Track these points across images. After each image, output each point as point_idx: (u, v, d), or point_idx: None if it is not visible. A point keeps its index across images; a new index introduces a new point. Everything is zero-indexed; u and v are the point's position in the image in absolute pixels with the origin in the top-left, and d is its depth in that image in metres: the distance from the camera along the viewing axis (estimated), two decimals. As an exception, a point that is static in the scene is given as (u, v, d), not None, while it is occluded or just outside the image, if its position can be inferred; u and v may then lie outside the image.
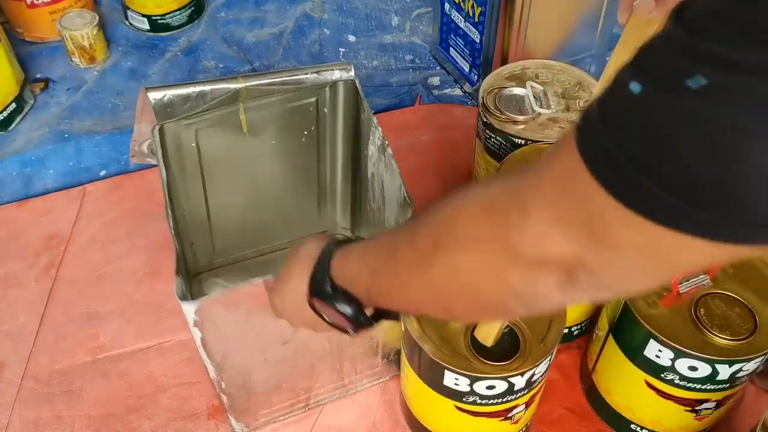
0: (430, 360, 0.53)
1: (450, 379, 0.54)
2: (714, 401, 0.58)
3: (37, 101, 0.99)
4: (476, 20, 0.92)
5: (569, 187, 0.29)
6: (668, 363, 0.56)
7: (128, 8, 1.08)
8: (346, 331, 0.47)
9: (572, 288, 0.31)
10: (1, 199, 0.87)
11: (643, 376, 0.58)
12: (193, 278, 0.73)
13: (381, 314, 0.47)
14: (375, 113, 0.97)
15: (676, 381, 0.57)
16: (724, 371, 0.55)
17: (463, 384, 0.53)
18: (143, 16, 1.07)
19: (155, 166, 0.60)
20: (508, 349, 0.54)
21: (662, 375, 0.57)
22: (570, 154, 0.28)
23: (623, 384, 0.62)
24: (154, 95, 0.61)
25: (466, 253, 0.35)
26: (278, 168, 0.71)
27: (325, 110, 0.66)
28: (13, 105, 0.94)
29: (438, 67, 1.05)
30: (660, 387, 0.58)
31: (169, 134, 0.59)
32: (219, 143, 0.65)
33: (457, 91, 1.02)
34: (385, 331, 0.56)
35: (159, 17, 1.07)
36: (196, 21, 1.12)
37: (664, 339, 0.54)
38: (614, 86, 0.27)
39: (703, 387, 0.56)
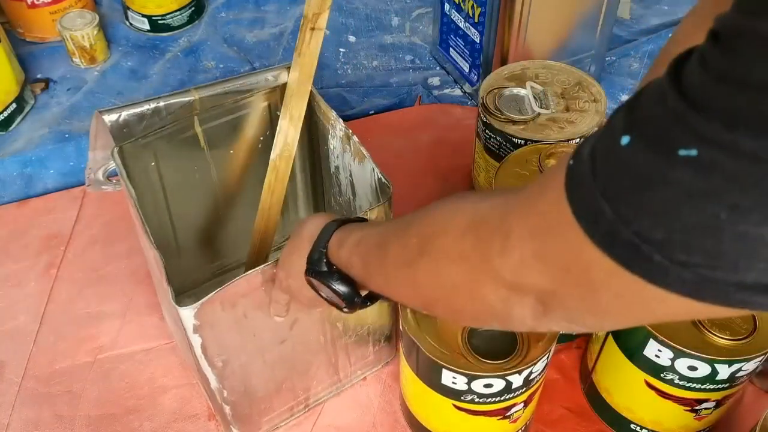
0: (427, 359, 0.54)
1: (448, 377, 0.54)
2: (714, 401, 0.58)
3: (38, 101, 0.99)
4: (476, 20, 0.92)
5: (554, 226, 0.29)
6: (668, 363, 0.56)
7: (128, 8, 1.08)
8: (341, 309, 0.48)
9: (546, 319, 0.32)
10: (1, 199, 0.87)
11: (642, 375, 0.58)
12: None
13: (376, 296, 0.48)
14: (375, 113, 0.98)
15: (676, 381, 0.57)
16: (724, 371, 0.55)
17: (460, 383, 0.54)
18: (143, 16, 1.07)
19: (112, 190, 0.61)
20: (505, 347, 0.54)
21: (662, 375, 0.57)
22: (558, 193, 0.28)
23: (623, 384, 0.62)
24: (109, 117, 0.60)
25: (448, 264, 0.35)
26: (237, 178, 0.70)
27: (278, 113, 0.65)
28: (14, 105, 0.94)
29: (438, 68, 1.05)
30: (660, 387, 0.58)
31: (128, 156, 0.58)
32: (178, 159, 0.65)
33: (457, 91, 1.02)
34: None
35: (159, 17, 1.08)
36: (197, 21, 1.12)
37: (664, 339, 0.55)
38: (606, 132, 0.27)
39: (702, 387, 0.56)
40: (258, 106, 0.66)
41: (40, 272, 0.79)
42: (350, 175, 0.65)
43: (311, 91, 0.64)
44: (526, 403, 0.58)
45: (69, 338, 0.74)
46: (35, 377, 0.71)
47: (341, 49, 1.08)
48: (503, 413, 0.57)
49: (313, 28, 0.58)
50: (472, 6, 0.91)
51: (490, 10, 0.88)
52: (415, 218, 0.40)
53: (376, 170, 0.58)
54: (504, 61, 0.92)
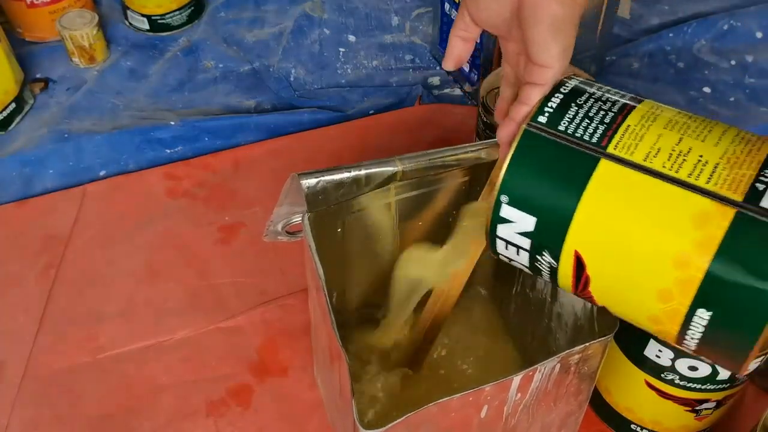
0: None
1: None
2: (714, 401, 0.58)
3: (37, 101, 0.99)
4: (476, 20, 0.92)
5: None
6: (668, 363, 0.56)
7: (128, 8, 1.08)
8: None
9: None
10: (0, 198, 0.87)
11: (643, 376, 0.58)
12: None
13: None
14: (375, 113, 0.98)
15: (677, 381, 0.57)
16: (725, 371, 0.55)
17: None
18: (143, 16, 1.07)
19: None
20: None
21: (662, 375, 0.57)
22: None
23: (623, 384, 0.62)
24: (307, 182, 0.56)
25: None
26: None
27: (478, 188, 0.61)
28: (13, 105, 0.94)
29: (438, 67, 1.05)
30: (660, 387, 0.58)
31: (317, 221, 0.57)
32: (364, 227, 0.62)
33: (457, 91, 1.02)
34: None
35: (159, 17, 1.07)
36: (196, 21, 1.12)
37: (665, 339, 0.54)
38: None
39: (703, 387, 0.56)
40: (456, 180, 0.63)
41: (40, 272, 0.79)
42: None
43: None
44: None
45: (68, 338, 0.74)
46: (35, 377, 0.71)
47: (341, 49, 1.08)
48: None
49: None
50: (472, 6, 0.91)
51: (490, 9, 0.88)
52: None
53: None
54: (504, 61, 0.91)
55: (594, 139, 0.42)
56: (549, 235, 0.43)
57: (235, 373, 0.71)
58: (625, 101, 0.44)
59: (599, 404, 0.66)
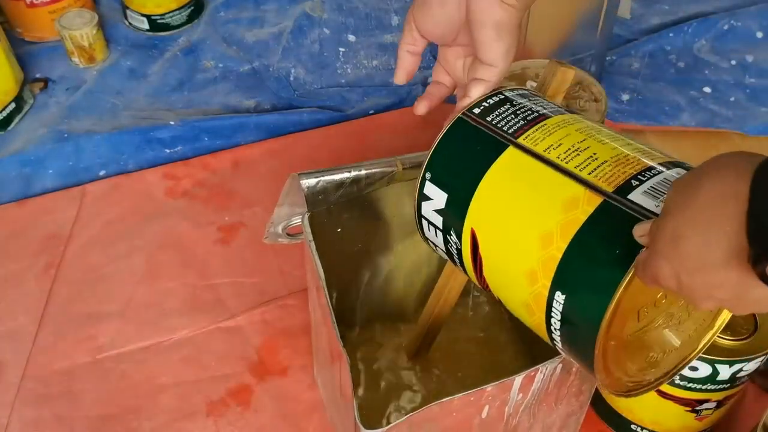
0: None
1: None
2: (714, 401, 0.58)
3: (37, 101, 0.99)
4: (476, 20, 0.92)
5: None
6: (669, 363, 0.56)
7: (127, 8, 1.08)
8: None
9: None
10: (0, 198, 0.87)
11: (643, 376, 0.58)
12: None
13: None
14: (375, 113, 0.98)
15: (677, 381, 0.57)
16: (725, 371, 0.55)
17: None
18: (142, 15, 1.07)
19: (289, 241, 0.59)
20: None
21: (663, 375, 0.57)
22: None
23: (623, 384, 0.62)
24: (307, 182, 0.57)
25: None
26: (424, 248, 0.65)
27: None
28: (13, 105, 0.94)
29: (438, 67, 1.05)
30: (661, 387, 0.58)
31: (316, 221, 0.57)
32: (364, 227, 0.63)
33: (457, 91, 1.02)
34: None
35: (158, 17, 1.07)
36: (196, 21, 1.11)
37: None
38: None
39: (703, 387, 0.56)
40: None
41: (40, 272, 0.79)
42: None
43: None
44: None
45: (68, 338, 0.74)
46: (35, 377, 0.71)
47: (341, 49, 1.08)
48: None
49: None
50: (472, 5, 0.91)
51: (490, 9, 0.88)
52: None
53: None
54: (504, 61, 0.91)
55: (510, 130, 0.45)
56: (454, 212, 0.46)
57: (235, 373, 0.71)
58: (557, 109, 0.47)
59: (600, 404, 0.66)
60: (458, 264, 0.48)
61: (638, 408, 0.62)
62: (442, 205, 0.47)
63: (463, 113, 0.47)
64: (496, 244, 0.44)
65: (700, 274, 0.33)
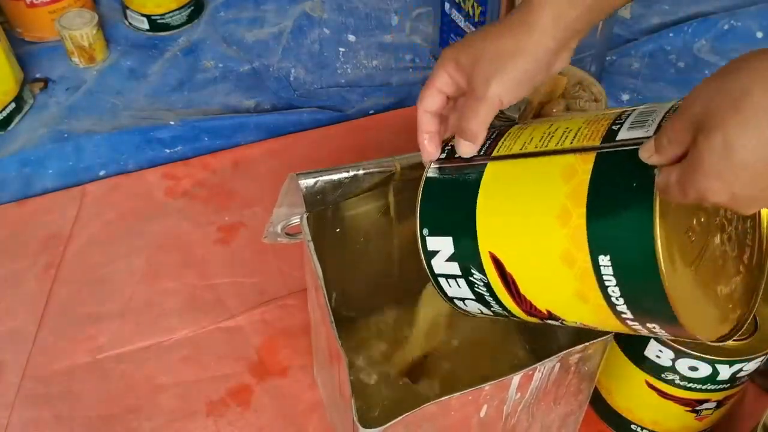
0: None
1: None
2: (714, 401, 0.58)
3: (37, 101, 0.99)
4: (476, 20, 0.92)
5: None
6: (669, 363, 0.56)
7: (127, 8, 1.08)
8: None
9: None
10: (0, 198, 0.87)
11: (643, 376, 0.58)
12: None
13: None
14: (375, 113, 0.98)
15: (677, 381, 0.57)
16: (725, 371, 0.55)
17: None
18: (142, 15, 1.07)
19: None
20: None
21: (663, 375, 0.57)
22: None
23: (624, 384, 0.62)
24: (305, 182, 0.57)
25: None
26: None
27: None
28: (13, 105, 0.94)
29: (438, 67, 1.05)
30: (660, 387, 0.58)
31: (315, 221, 0.57)
32: (363, 227, 0.63)
33: (457, 91, 1.01)
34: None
35: (158, 17, 1.07)
36: (196, 21, 1.11)
37: (665, 339, 0.54)
38: None
39: (703, 387, 0.56)
40: None
41: (39, 272, 0.79)
42: None
43: None
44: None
45: (68, 338, 0.74)
46: (34, 377, 0.71)
47: (341, 49, 1.08)
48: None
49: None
50: (473, 5, 0.91)
51: (491, 9, 0.88)
52: None
53: None
54: (504, 61, 0.91)
55: (482, 153, 0.46)
56: (465, 248, 0.45)
57: (235, 373, 0.71)
58: (514, 122, 0.47)
59: (599, 404, 0.66)
60: (495, 303, 0.46)
61: (638, 408, 0.62)
62: (451, 249, 0.45)
63: (431, 164, 0.48)
64: (519, 250, 0.42)
65: (760, 181, 0.32)
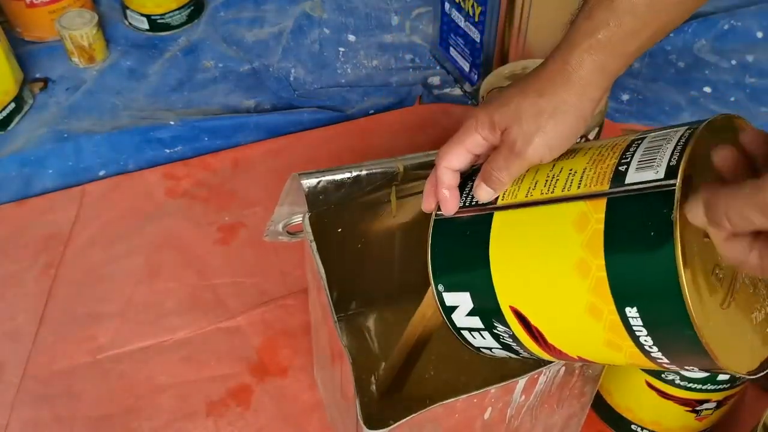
0: None
1: None
2: (714, 401, 0.58)
3: (36, 101, 0.99)
4: (476, 20, 0.92)
5: None
6: (669, 363, 0.56)
7: (127, 8, 1.08)
8: None
9: None
10: (0, 198, 0.87)
11: (643, 376, 0.58)
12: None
13: None
14: (375, 113, 0.98)
15: (677, 381, 0.57)
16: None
17: None
18: (142, 15, 1.07)
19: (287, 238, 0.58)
20: None
21: (663, 375, 0.57)
22: None
23: (624, 384, 0.62)
24: (308, 182, 0.56)
25: None
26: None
27: None
28: (12, 105, 0.94)
29: (438, 67, 1.05)
30: (660, 387, 0.58)
31: (318, 221, 0.57)
32: (365, 228, 0.63)
33: (457, 91, 1.02)
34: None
35: (158, 17, 1.07)
36: (196, 21, 1.11)
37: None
38: None
39: (703, 387, 0.56)
40: None
41: (39, 272, 0.79)
42: None
43: None
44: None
45: (68, 338, 0.74)
46: (34, 377, 0.71)
47: (341, 49, 1.08)
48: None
49: None
50: (473, 5, 0.91)
51: (491, 9, 0.88)
52: None
53: None
54: (504, 60, 0.91)
55: (487, 201, 0.44)
56: (485, 302, 0.43)
57: (235, 373, 0.71)
58: None
59: (600, 404, 0.66)
60: (523, 350, 0.45)
61: (638, 408, 0.62)
62: (470, 304, 0.44)
63: (435, 214, 0.47)
64: (542, 304, 0.41)
65: None
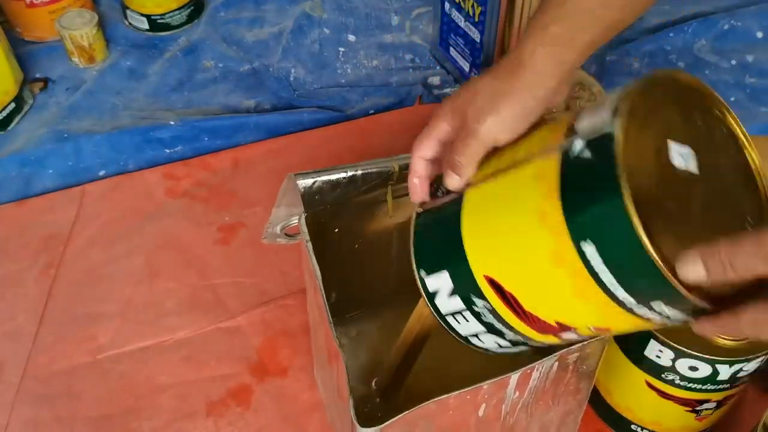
0: None
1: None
2: (714, 401, 0.58)
3: (36, 101, 0.99)
4: (476, 20, 0.92)
5: None
6: (669, 363, 0.56)
7: (127, 8, 1.08)
8: None
9: None
10: (0, 198, 0.87)
11: (643, 376, 0.58)
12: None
13: None
14: (375, 113, 0.98)
15: (677, 381, 0.57)
16: (725, 371, 0.55)
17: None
18: (142, 15, 1.07)
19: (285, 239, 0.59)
20: None
21: (663, 375, 0.57)
22: None
23: (623, 384, 0.62)
24: (304, 182, 0.57)
25: None
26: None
27: None
28: (12, 105, 0.94)
29: (438, 67, 1.05)
30: (660, 387, 0.58)
31: (314, 221, 0.57)
32: (361, 228, 0.63)
33: (457, 91, 1.01)
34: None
35: (158, 17, 1.07)
36: (196, 20, 1.11)
37: (665, 339, 0.54)
38: None
39: (703, 387, 0.56)
40: None
41: (39, 272, 0.79)
42: None
43: None
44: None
45: (68, 338, 0.74)
46: (34, 377, 0.71)
47: (341, 48, 1.08)
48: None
49: None
50: (473, 5, 0.91)
51: (491, 9, 0.88)
52: None
53: None
54: (504, 61, 0.91)
55: (456, 188, 0.46)
56: (462, 276, 0.44)
57: (235, 373, 0.71)
58: None
59: (599, 404, 0.66)
60: (506, 329, 0.45)
61: (638, 408, 0.62)
62: (449, 283, 0.45)
63: (418, 207, 0.49)
64: (511, 264, 0.42)
65: None
